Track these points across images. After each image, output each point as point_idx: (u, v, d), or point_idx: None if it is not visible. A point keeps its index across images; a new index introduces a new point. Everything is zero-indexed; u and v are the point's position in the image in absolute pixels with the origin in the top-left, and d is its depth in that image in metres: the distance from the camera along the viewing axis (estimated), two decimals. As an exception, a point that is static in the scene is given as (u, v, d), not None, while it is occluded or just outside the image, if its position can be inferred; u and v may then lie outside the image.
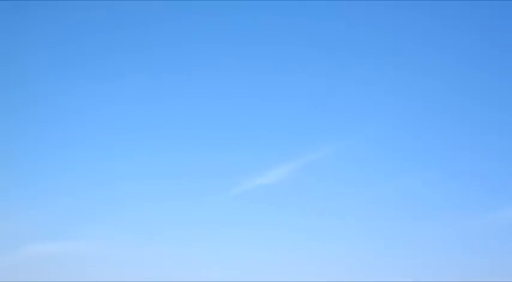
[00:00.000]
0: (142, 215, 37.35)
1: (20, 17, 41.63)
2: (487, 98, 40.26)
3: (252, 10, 41.52)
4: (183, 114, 40.32)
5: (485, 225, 36.85)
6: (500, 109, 39.88)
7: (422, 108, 40.20)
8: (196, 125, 40.00)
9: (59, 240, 36.25)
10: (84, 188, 37.91)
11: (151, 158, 39.35)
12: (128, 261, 35.68)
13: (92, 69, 41.13)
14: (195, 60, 41.24)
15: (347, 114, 40.20)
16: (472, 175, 38.71)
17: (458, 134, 39.76)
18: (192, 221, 37.15)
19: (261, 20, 41.23)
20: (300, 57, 40.80)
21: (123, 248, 36.09)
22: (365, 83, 40.38)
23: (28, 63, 41.24)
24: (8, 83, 40.96)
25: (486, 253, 36.25)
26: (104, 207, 37.38)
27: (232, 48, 41.11)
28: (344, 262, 35.88)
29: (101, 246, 36.19)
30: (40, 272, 34.61)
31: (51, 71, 41.49)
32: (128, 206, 37.55)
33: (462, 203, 37.91)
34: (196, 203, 37.58)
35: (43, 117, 40.47)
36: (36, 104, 40.72)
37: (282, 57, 40.80)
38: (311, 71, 40.47)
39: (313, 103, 39.81)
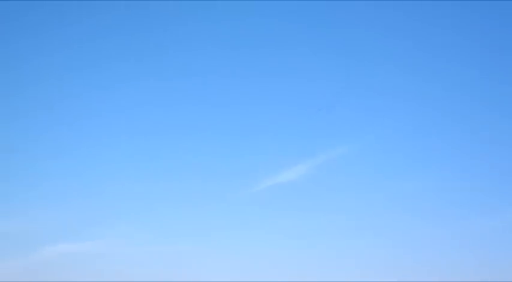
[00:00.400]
0: (161, 214, 37.62)
1: (29, 20, 42.12)
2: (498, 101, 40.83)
3: (263, 13, 42.16)
4: (202, 116, 40.85)
5: (494, 226, 37.16)
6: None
7: (435, 111, 40.77)
8: (215, 126, 40.54)
9: (76, 241, 36.47)
10: (102, 189, 38.20)
11: (169, 158, 39.72)
12: (146, 260, 35.87)
13: (114, 70, 41.72)
14: (214, 64, 41.87)
15: (362, 115, 40.81)
16: (485, 176, 39.05)
17: (470, 136, 40.28)
18: (210, 220, 37.36)
19: (275, 24, 42.00)
20: (315, 61, 41.47)
21: (141, 247, 36.22)
22: (380, 85, 40.99)
23: (35, 67, 41.71)
24: (20, 86, 41.45)
25: (496, 254, 36.50)
26: (121, 207, 37.62)
27: (249, 52, 41.72)
28: (360, 261, 36.16)
29: (118, 245, 36.30)
30: (57, 273, 34.82)
31: (62, 74, 41.99)
32: (146, 205, 37.76)
33: (475, 203, 38.31)
34: (215, 202, 37.88)
35: (57, 118, 40.83)
36: (51, 106, 41.25)
37: (298, 61, 41.41)
38: (327, 74, 41.18)
39: (329, 104, 40.32)
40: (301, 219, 37.14)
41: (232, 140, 39.94)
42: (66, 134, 40.18)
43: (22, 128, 39.95)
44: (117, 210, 37.43)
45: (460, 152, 39.95)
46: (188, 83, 41.50)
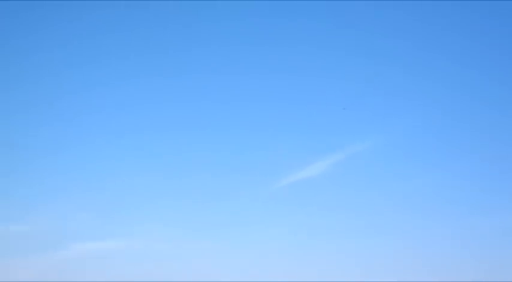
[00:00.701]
0: (187, 211, 38.37)
1: (29, 17, 42.63)
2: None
3: (286, 12, 43.16)
4: (223, 114, 41.83)
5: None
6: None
7: (448, 111, 41.31)
8: (235, 124, 41.44)
9: (104, 238, 37.17)
10: (124, 186, 39.11)
11: (190, 155, 40.48)
12: (169, 257, 36.52)
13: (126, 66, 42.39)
14: (236, 62, 42.93)
15: (385, 110, 41.53)
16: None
17: (491, 130, 40.84)
18: (229, 218, 38.08)
19: (298, 23, 42.82)
20: (335, 61, 42.62)
21: (168, 244, 37.01)
22: (396, 85, 42.04)
23: (36, 64, 42.42)
24: (20, 82, 41.98)
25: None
26: (149, 205, 38.38)
27: (273, 51, 42.71)
28: (377, 259, 36.57)
29: (147, 243, 37.06)
30: (86, 270, 35.72)
31: (63, 71, 42.72)
32: (173, 202, 38.58)
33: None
34: (234, 199, 38.62)
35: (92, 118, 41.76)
36: (53, 102, 41.82)
37: (319, 61, 42.44)
38: (346, 74, 42.10)
39: (353, 100, 41.46)
40: (320, 216, 37.72)
41: (252, 137, 40.87)
42: (98, 135, 41.10)
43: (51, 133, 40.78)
44: (139, 208, 38.28)
45: (488, 146, 40.42)
46: (206, 80, 42.59)
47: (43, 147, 40.50)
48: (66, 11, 42.53)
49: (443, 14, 42.31)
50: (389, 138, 40.35)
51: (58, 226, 37.22)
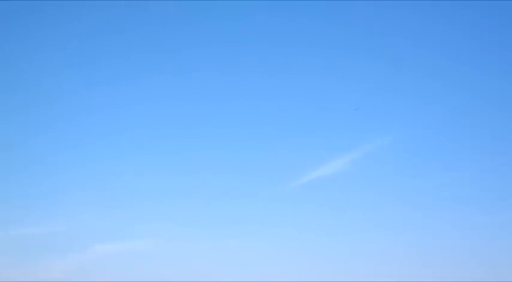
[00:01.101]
0: (204, 211, 38.36)
1: (30, 17, 42.49)
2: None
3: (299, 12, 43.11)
4: (245, 111, 41.93)
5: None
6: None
7: (479, 100, 41.44)
8: (257, 120, 41.57)
9: (125, 239, 37.20)
10: (147, 188, 39.00)
11: (208, 154, 40.49)
12: (192, 257, 36.57)
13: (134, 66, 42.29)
14: (251, 61, 42.98)
15: (403, 106, 41.80)
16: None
17: (503, 130, 40.88)
18: (253, 215, 38.21)
19: (310, 24, 43.00)
20: (350, 61, 42.70)
21: (185, 243, 37.06)
22: (421, 75, 42.21)
23: (37, 64, 42.18)
24: (21, 82, 41.70)
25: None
26: (166, 206, 38.32)
27: (289, 51, 42.78)
28: (405, 254, 36.61)
29: (166, 243, 37.09)
30: (108, 271, 35.63)
31: (63, 71, 42.49)
32: (188, 202, 38.58)
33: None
34: (252, 197, 38.66)
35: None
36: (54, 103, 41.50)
37: (336, 61, 42.76)
38: (367, 69, 42.25)
39: (367, 99, 41.50)
40: (335, 215, 37.96)
41: (266, 136, 40.96)
42: (114, 136, 40.85)
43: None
44: (158, 208, 38.29)
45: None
46: (224, 79, 42.68)
47: (51, 148, 40.78)
48: (67, 11, 42.64)
49: (457, 14, 43.09)
50: (402, 137, 40.58)
51: (79, 228, 37.27)
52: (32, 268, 35.00)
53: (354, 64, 42.08)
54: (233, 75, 42.49)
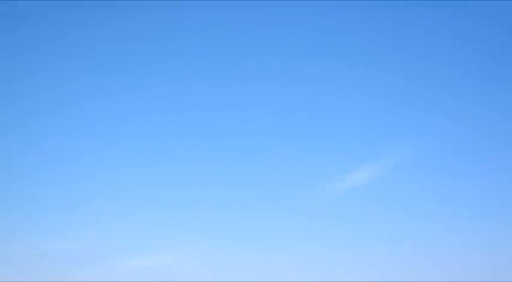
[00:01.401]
0: (227, 222, 37.97)
1: (37, 25, 41.92)
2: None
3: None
4: (272, 120, 41.46)
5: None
6: None
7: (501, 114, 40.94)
8: (284, 130, 41.13)
9: (146, 254, 36.55)
10: (166, 200, 38.52)
11: (235, 164, 40.11)
12: (215, 271, 35.93)
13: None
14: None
15: (429, 114, 41.32)
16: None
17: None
18: (279, 227, 37.72)
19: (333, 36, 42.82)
20: (370, 74, 42.36)
21: (209, 257, 36.69)
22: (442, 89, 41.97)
23: (44, 72, 41.49)
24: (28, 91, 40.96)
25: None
26: (192, 217, 38.07)
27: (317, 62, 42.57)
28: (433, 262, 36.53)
29: (188, 257, 36.59)
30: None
31: (70, 79, 41.65)
32: (212, 214, 38.19)
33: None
34: (282, 209, 38.33)
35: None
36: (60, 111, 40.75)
37: (352, 74, 42.39)
38: (396, 75, 42.23)
39: (394, 104, 41.58)
40: (366, 226, 37.74)
41: (296, 145, 40.57)
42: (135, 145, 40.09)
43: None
44: (181, 221, 37.87)
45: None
46: (244, 89, 42.34)
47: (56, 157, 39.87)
48: (74, 19, 41.98)
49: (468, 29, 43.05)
50: (433, 143, 40.40)
51: (103, 242, 36.81)
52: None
53: (369, 78, 42.12)
54: (253, 85, 42.25)
